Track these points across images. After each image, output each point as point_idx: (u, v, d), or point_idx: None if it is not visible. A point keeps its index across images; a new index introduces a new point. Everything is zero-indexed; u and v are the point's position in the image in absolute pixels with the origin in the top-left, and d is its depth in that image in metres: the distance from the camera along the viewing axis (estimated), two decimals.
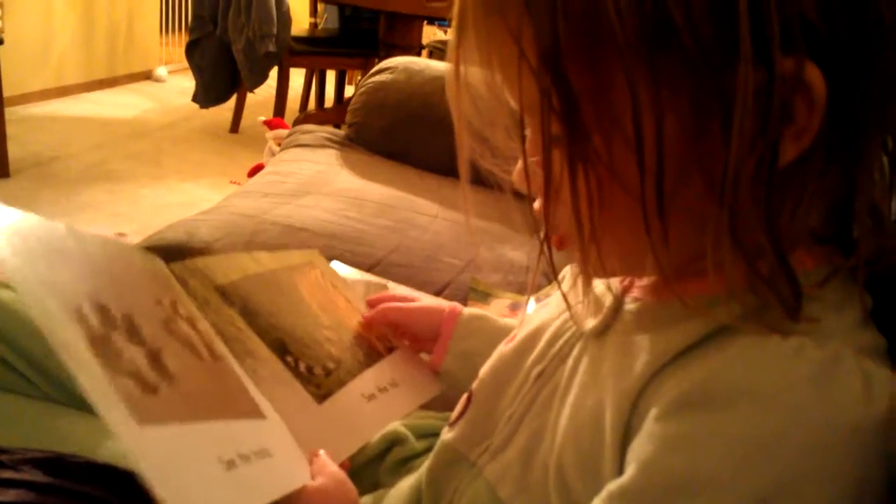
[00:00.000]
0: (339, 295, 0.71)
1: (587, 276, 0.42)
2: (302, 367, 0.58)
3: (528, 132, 0.40)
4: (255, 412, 0.49)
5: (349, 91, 3.79)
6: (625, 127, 0.35)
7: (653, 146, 0.34)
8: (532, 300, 1.10)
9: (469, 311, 0.70)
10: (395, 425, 0.66)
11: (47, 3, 3.60)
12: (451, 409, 0.60)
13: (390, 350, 0.68)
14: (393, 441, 0.66)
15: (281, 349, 0.58)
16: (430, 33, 4.57)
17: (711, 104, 0.33)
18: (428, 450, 0.62)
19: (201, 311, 0.54)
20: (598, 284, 0.47)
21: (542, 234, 0.41)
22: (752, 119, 0.33)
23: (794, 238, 0.38)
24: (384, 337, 0.69)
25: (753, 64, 0.32)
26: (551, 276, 0.42)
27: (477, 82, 0.40)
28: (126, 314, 0.44)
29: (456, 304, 0.71)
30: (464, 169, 0.43)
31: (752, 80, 0.32)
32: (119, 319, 0.43)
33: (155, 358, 0.43)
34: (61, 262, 0.43)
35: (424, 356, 0.71)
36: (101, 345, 0.39)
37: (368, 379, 0.61)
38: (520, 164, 0.42)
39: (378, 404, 0.60)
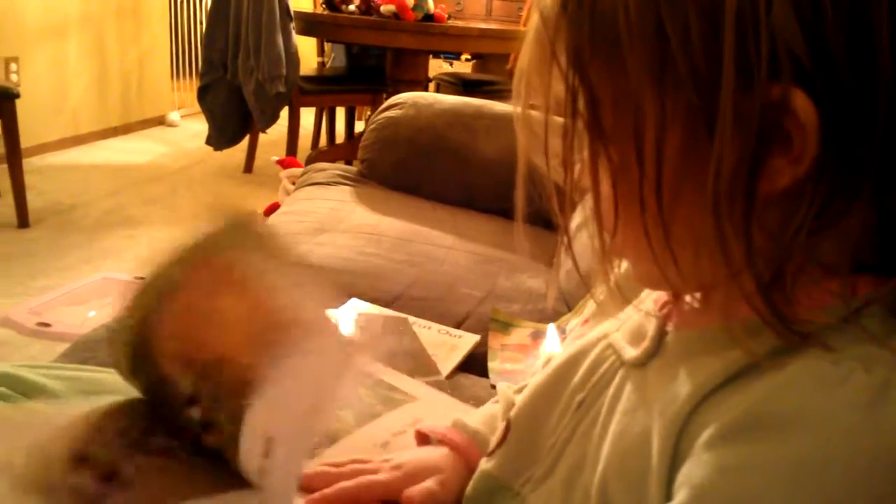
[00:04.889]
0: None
1: (607, 280, 0.43)
2: None
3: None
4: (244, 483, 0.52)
5: (359, 126, 3.83)
6: (634, 135, 0.37)
7: (653, 157, 0.37)
8: (552, 326, 1.11)
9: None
10: None
11: (61, 55, 3.69)
12: None
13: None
14: None
15: None
16: (437, 66, 4.62)
17: (703, 124, 0.35)
18: None
19: None
20: (639, 310, 0.47)
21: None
22: (736, 142, 0.34)
23: (816, 265, 0.37)
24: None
25: (740, 90, 0.34)
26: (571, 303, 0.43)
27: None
28: (72, 451, 0.48)
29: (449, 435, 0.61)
30: (521, 206, 0.44)
31: (733, 105, 0.34)
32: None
33: (108, 475, 0.47)
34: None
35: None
36: (23, 483, 0.44)
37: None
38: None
39: None
